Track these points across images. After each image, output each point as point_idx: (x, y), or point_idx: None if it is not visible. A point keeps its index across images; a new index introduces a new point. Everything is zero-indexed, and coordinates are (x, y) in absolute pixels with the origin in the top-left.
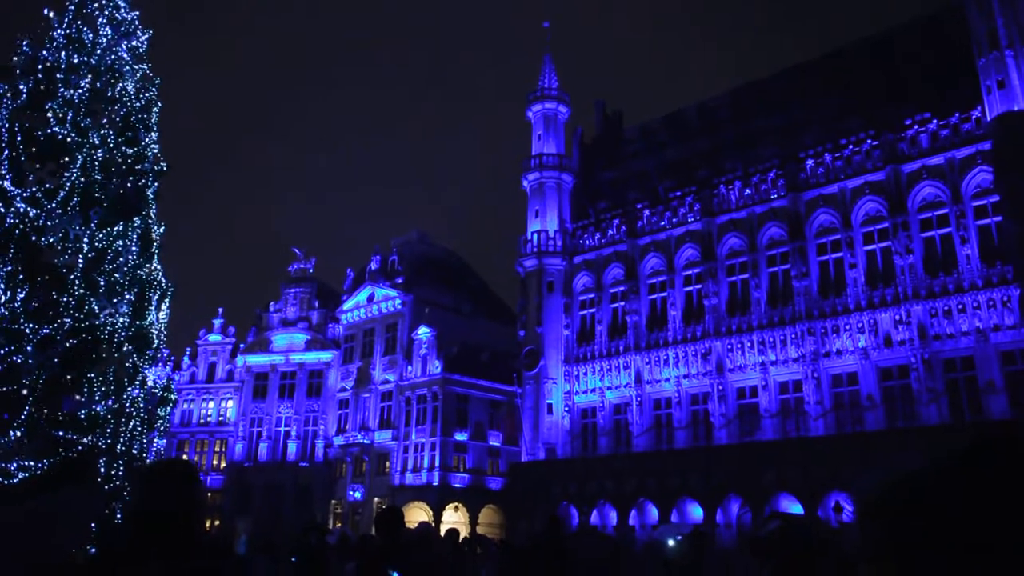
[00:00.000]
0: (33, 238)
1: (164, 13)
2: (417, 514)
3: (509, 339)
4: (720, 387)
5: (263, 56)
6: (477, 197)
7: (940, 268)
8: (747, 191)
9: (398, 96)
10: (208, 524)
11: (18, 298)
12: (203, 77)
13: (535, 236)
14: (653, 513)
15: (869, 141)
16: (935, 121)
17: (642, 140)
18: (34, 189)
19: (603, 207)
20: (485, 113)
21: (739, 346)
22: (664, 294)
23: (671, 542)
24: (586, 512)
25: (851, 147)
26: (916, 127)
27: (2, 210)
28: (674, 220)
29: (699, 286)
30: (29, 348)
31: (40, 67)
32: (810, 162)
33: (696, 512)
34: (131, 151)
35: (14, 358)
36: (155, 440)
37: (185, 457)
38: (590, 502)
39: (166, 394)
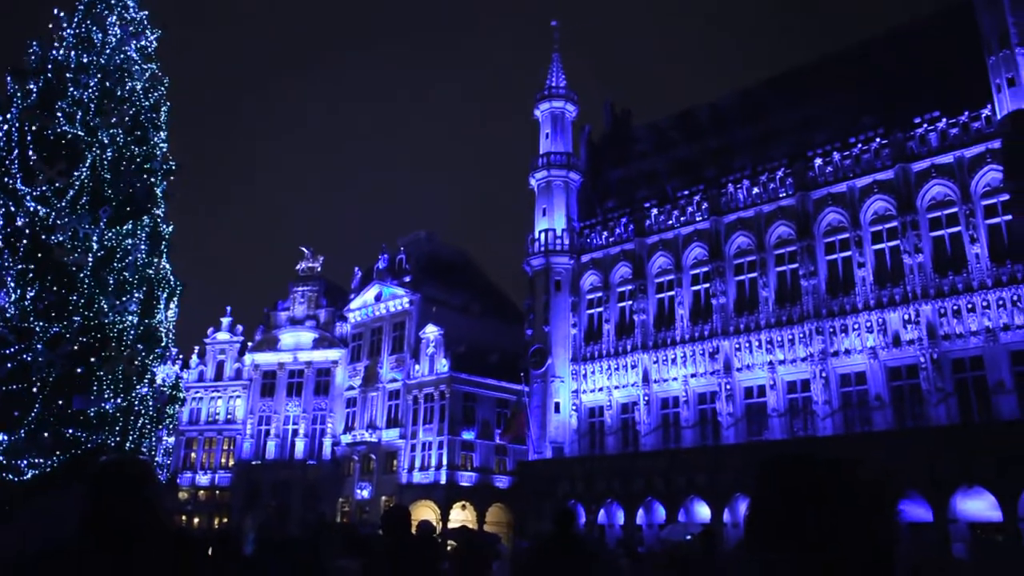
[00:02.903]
0: (43, 237)
1: (173, 10)
2: (424, 512)
3: (516, 338)
4: (728, 386)
5: (267, 55)
6: (484, 196)
7: (949, 267)
8: (755, 190)
9: (404, 95)
10: (217, 521)
11: (28, 296)
12: (207, 71)
13: (542, 235)
14: (660, 512)
15: (878, 140)
16: (945, 119)
17: (651, 139)
18: (44, 188)
19: (611, 206)
20: (493, 111)
21: (747, 345)
22: (672, 293)
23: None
24: (593, 511)
25: (860, 146)
26: (926, 125)
27: (12, 209)
28: (682, 219)
29: (707, 285)
30: (39, 346)
31: (50, 67)
32: (819, 161)
33: (704, 512)
34: (140, 150)
35: (24, 356)
36: (164, 438)
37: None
38: (597, 501)
39: (175, 392)
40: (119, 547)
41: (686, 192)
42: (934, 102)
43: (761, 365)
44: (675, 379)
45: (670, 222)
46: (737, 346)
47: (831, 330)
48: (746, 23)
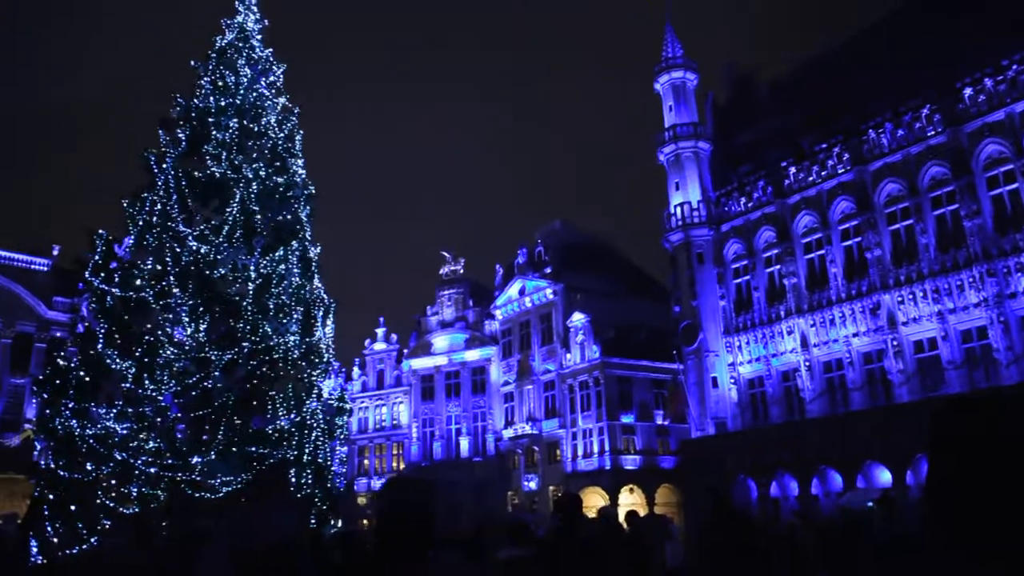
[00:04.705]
0: (207, 272)
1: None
2: (594, 499)
3: (663, 316)
4: (895, 342)
5: (391, 63)
6: (615, 177)
7: None
8: (900, 132)
9: (524, 86)
10: None
11: (201, 329)
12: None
13: (678, 209)
14: (837, 480)
15: None
16: None
17: (777, 96)
18: (202, 227)
19: (745, 170)
20: (613, 92)
21: (910, 297)
22: (821, 252)
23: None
24: (764, 484)
25: (1016, 67)
26: None
27: (178, 250)
28: (823, 173)
29: (858, 239)
30: (216, 373)
31: (193, 114)
32: (968, 91)
33: (884, 476)
34: (282, 180)
35: (205, 384)
36: (337, 448)
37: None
38: (767, 473)
39: (341, 404)
40: (408, 555)
41: (823, 145)
42: None
43: (929, 316)
44: (836, 341)
45: (810, 178)
46: (900, 299)
47: (1005, 270)
48: None
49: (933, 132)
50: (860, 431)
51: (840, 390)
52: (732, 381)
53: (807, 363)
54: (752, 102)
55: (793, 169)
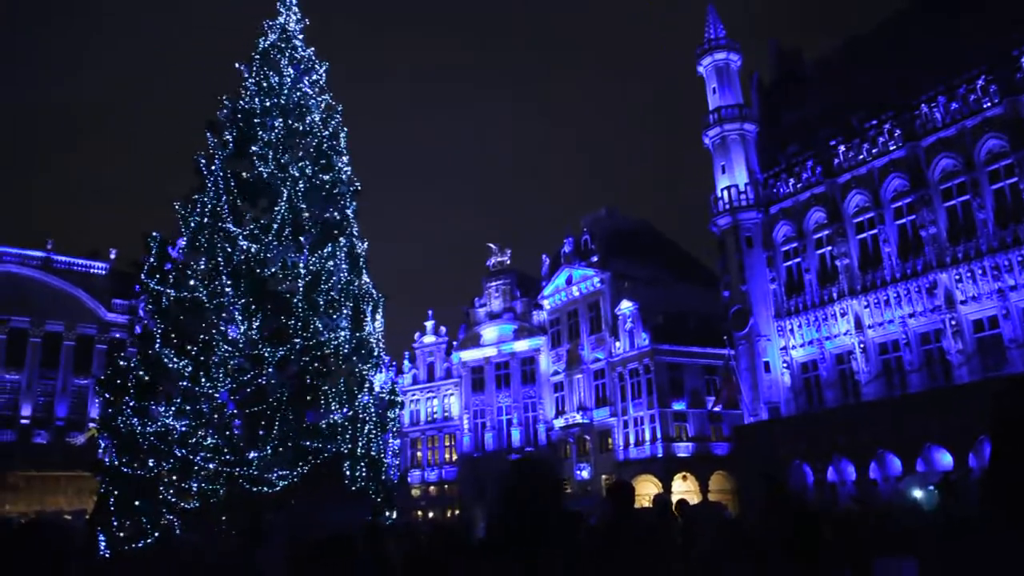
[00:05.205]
0: (257, 271)
1: None
2: (647, 487)
3: (713, 301)
4: (953, 322)
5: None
6: (659, 162)
7: None
8: (954, 105)
9: (565, 74)
10: (449, 514)
11: (254, 326)
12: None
13: (725, 192)
14: (895, 464)
15: None
16: None
17: (824, 73)
18: (252, 227)
19: (793, 151)
20: (654, 76)
21: (968, 275)
22: (874, 231)
23: (918, 493)
24: (820, 469)
25: None
26: None
27: (229, 250)
28: (874, 151)
29: (912, 217)
30: (270, 370)
31: (239, 116)
32: None
33: (945, 459)
34: (328, 177)
35: (259, 380)
36: (390, 441)
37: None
38: (823, 458)
39: (393, 397)
40: (528, 539)
41: (874, 122)
42: None
43: (988, 294)
44: (891, 321)
45: (861, 156)
46: (957, 277)
47: None
48: None
49: (990, 104)
50: (918, 413)
51: (897, 372)
52: (785, 365)
53: (862, 345)
54: (798, 81)
55: (843, 148)
